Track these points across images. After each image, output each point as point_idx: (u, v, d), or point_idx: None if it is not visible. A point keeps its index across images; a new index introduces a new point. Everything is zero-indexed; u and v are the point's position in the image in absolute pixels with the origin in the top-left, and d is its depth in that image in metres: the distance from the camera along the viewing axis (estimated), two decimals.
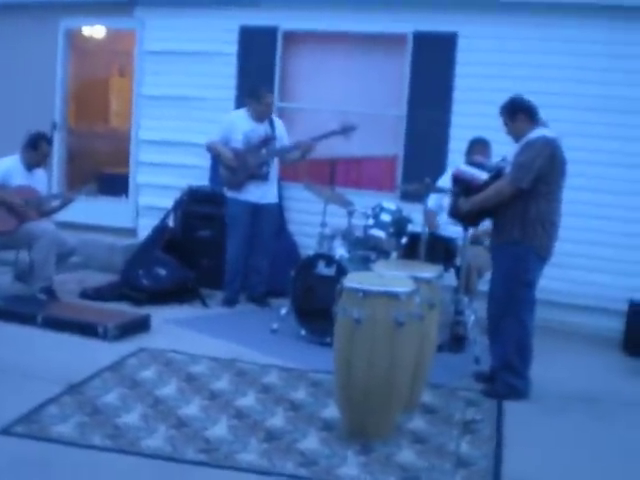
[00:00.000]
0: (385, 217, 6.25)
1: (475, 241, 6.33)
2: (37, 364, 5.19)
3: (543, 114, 5.19)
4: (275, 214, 7.32)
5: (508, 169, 5.09)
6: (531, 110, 5.14)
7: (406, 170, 7.68)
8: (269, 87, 7.41)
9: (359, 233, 6.40)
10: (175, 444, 4.05)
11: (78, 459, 3.85)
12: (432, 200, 6.37)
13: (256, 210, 7.09)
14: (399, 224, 6.25)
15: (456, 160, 6.89)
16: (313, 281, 6.15)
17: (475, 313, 6.04)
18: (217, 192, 7.35)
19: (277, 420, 4.48)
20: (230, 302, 7.18)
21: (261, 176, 7.04)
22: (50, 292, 6.72)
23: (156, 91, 8.46)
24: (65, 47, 9.21)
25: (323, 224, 6.49)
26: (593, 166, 6.94)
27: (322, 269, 6.12)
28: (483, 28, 7.31)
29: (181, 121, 8.29)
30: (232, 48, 8.15)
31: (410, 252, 6.15)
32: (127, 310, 6.64)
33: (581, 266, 7.07)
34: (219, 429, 4.29)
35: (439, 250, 6.18)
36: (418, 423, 4.59)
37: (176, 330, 6.29)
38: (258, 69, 8.02)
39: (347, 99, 7.99)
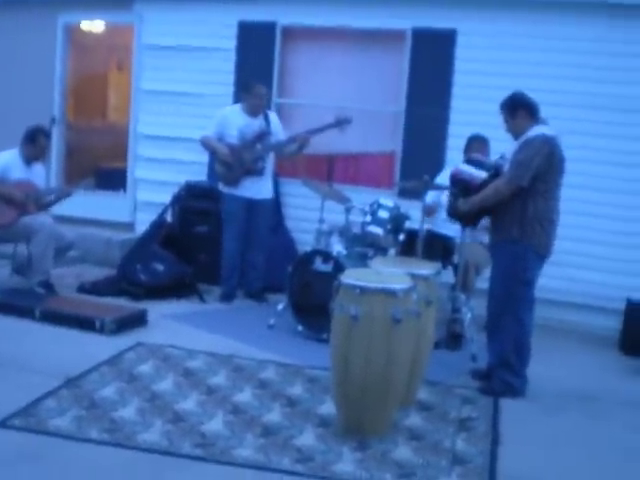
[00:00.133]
0: (383, 214, 6.25)
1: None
2: (35, 358, 5.20)
3: (542, 111, 5.19)
4: (270, 209, 7.31)
5: (506, 167, 5.09)
6: (532, 107, 5.13)
7: (404, 167, 7.68)
8: (264, 81, 7.39)
9: (357, 230, 6.39)
10: (171, 439, 4.06)
11: (75, 453, 3.86)
12: (430, 197, 6.36)
13: (251, 205, 7.09)
14: (397, 221, 6.25)
15: (454, 157, 6.90)
16: (310, 277, 6.15)
17: (472, 311, 6.04)
18: (214, 188, 7.35)
19: (273, 416, 4.49)
20: (227, 297, 7.18)
21: (256, 171, 7.04)
22: (48, 286, 6.73)
23: (154, 86, 8.45)
24: (64, 42, 9.20)
25: (321, 220, 6.49)
26: (593, 164, 6.95)
27: (319, 265, 6.13)
28: (482, 25, 7.31)
29: (179, 116, 8.28)
30: (230, 43, 8.14)
31: (408, 249, 6.15)
32: (125, 305, 6.64)
33: (579, 265, 7.07)
34: (215, 424, 4.30)
35: (437, 247, 6.19)
36: (414, 420, 4.60)
37: (173, 325, 6.29)
38: (256, 64, 8.01)
39: (346, 95, 7.99)
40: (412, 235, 6.15)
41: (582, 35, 7.02)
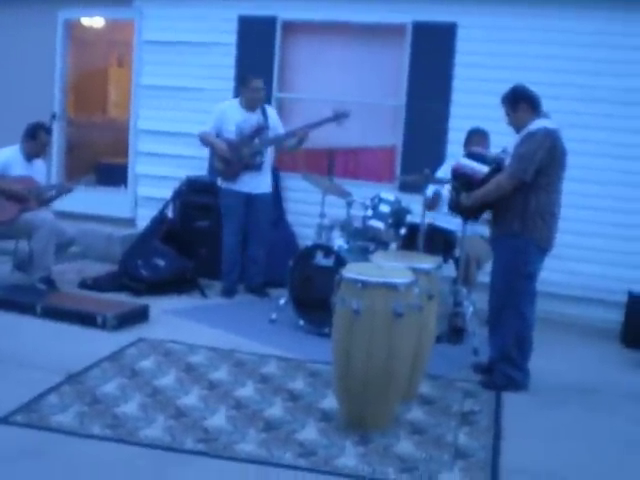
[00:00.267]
0: (384, 208, 6.24)
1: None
2: (36, 354, 5.20)
3: (543, 105, 5.17)
4: (269, 204, 7.30)
5: (508, 160, 5.08)
6: (533, 100, 5.11)
7: (405, 161, 7.67)
8: (264, 76, 7.38)
9: (358, 224, 6.39)
10: (174, 434, 4.06)
11: (77, 449, 3.86)
12: (431, 191, 6.36)
13: (250, 200, 7.09)
14: (398, 215, 6.24)
15: (455, 151, 6.90)
16: (311, 271, 6.15)
17: (474, 304, 6.04)
18: (215, 182, 7.35)
19: (276, 410, 4.49)
20: (228, 292, 7.18)
21: (255, 166, 7.03)
22: (49, 282, 6.73)
23: (155, 81, 8.44)
24: (64, 38, 9.20)
25: (322, 215, 6.48)
26: (593, 157, 6.95)
27: (320, 260, 6.12)
28: (482, 18, 7.31)
29: (180, 111, 8.28)
30: (231, 38, 8.13)
31: (409, 243, 6.15)
32: (126, 300, 6.64)
33: (580, 258, 7.07)
34: (218, 419, 4.30)
35: (438, 241, 6.19)
36: (416, 414, 4.60)
37: (175, 320, 6.30)
38: (257, 59, 8.01)
39: (346, 89, 7.98)
40: (413, 229, 6.15)
41: (582, 28, 7.01)
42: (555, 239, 5.12)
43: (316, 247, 6.21)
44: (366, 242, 6.35)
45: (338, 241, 6.27)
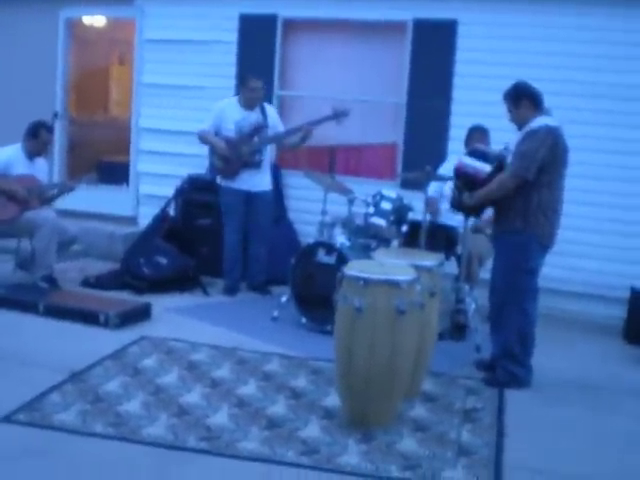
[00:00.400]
0: (386, 205, 6.24)
1: (477, 230, 6.33)
2: (39, 352, 5.20)
3: (545, 101, 5.17)
4: (269, 202, 7.29)
5: (510, 158, 5.07)
6: (535, 97, 5.10)
7: (406, 158, 7.67)
8: (265, 74, 7.38)
9: (359, 221, 6.39)
10: (176, 432, 4.06)
11: (80, 447, 3.86)
12: (433, 188, 6.36)
13: (250, 198, 7.09)
14: (400, 212, 6.24)
15: (456, 148, 6.90)
16: (313, 269, 6.15)
17: (476, 301, 6.03)
18: (215, 180, 7.35)
19: (278, 408, 4.49)
20: (231, 290, 7.19)
21: (254, 164, 7.04)
22: (51, 280, 6.73)
23: (156, 79, 8.44)
24: (65, 36, 9.21)
25: (323, 212, 6.48)
26: (593, 153, 6.94)
27: (322, 257, 6.12)
28: (483, 15, 7.30)
29: (181, 109, 8.28)
30: (232, 36, 8.13)
31: (411, 240, 6.15)
32: (128, 298, 6.64)
33: (583, 254, 7.07)
34: (220, 417, 4.30)
35: (440, 238, 6.18)
36: (419, 411, 4.60)
37: (177, 318, 6.30)
38: (258, 57, 8.01)
39: (347, 87, 7.98)
40: (415, 226, 6.14)
41: (582, 24, 7.01)
42: (556, 236, 5.12)
43: (318, 244, 6.21)
44: (368, 239, 6.35)
45: (340, 238, 6.27)
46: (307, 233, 7.55)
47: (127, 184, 8.95)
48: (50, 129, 7.09)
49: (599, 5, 6.91)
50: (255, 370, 5.13)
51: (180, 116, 8.24)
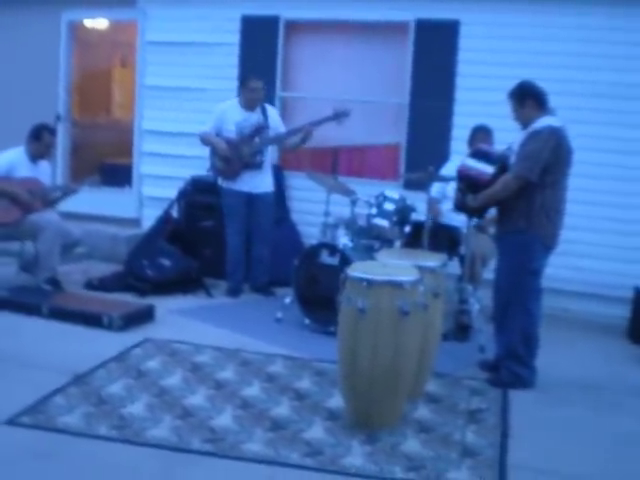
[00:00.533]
0: (388, 206, 6.24)
1: (480, 230, 6.32)
2: (42, 355, 5.21)
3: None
4: (271, 203, 7.28)
5: (513, 158, 5.07)
6: (540, 96, 5.08)
7: (409, 158, 7.67)
8: (268, 75, 7.38)
9: (362, 222, 6.38)
10: (181, 434, 4.06)
11: (84, 449, 3.86)
12: (435, 188, 6.37)
13: (251, 200, 7.09)
14: (402, 213, 6.24)
15: (459, 148, 6.90)
16: (317, 270, 6.15)
17: (479, 302, 6.03)
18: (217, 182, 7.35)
19: (282, 410, 4.49)
20: (234, 292, 7.19)
21: (255, 165, 7.04)
22: (55, 283, 6.74)
23: (158, 82, 8.45)
24: (68, 39, 9.22)
25: (326, 213, 6.48)
26: (599, 153, 6.93)
27: (325, 258, 6.12)
28: (485, 15, 7.30)
29: (183, 111, 8.28)
30: (234, 38, 8.14)
31: (414, 241, 6.15)
32: (131, 300, 6.65)
33: (586, 253, 7.06)
34: (224, 419, 4.30)
35: (443, 239, 6.18)
36: (423, 412, 4.59)
37: (180, 320, 6.30)
38: (260, 59, 8.01)
39: (349, 88, 7.97)
40: (418, 227, 6.14)
41: (583, 24, 7.00)
42: (559, 236, 5.11)
43: (321, 246, 6.21)
44: (371, 240, 6.35)
45: (343, 239, 6.27)
46: (310, 234, 7.54)
47: (130, 186, 8.96)
48: (53, 131, 7.09)
49: (600, 5, 6.90)
50: (259, 371, 5.13)
51: (182, 118, 8.25)
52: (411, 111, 7.66)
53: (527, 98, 5.10)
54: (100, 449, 3.88)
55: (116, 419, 4.21)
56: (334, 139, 7.54)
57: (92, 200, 8.27)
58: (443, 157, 7.12)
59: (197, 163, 8.01)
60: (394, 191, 6.47)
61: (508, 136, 5.46)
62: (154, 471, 3.71)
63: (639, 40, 6.91)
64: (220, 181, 7.17)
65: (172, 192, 7.95)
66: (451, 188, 5.95)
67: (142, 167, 8.74)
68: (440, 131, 7.49)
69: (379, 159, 8.45)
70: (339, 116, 6.76)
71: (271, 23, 8.01)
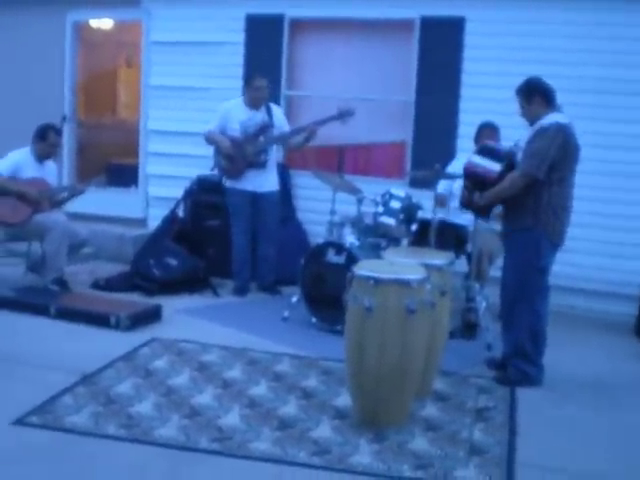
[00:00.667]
0: (395, 204, 6.23)
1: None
2: (50, 355, 5.22)
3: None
4: (276, 202, 7.28)
5: (520, 155, 5.05)
6: (548, 93, 5.07)
7: (415, 156, 7.66)
8: (273, 74, 7.38)
9: (369, 220, 6.38)
10: (188, 433, 4.07)
11: (92, 449, 3.87)
12: (442, 186, 6.35)
13: (256, 199, 7.10)
14: (409, 211, 6.23)
15: (465, 145, 6.90)
16: (323, 269, 6.15)
17: (486, 300, 6.02)
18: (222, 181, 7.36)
19: (289, 408, 4.49)
20: (241, 291, 7.19)
21: (259, 164, 7.04)
22: (62, 283, 6.75)
23: (164, 81, 8.46)
24: (73, 40, 9.22)
25: (332, 212, 6.48)
26: (608, 150, 6.91)
27: (332, 257, 6.12)
28: (490, 12, 7.29)
29: (189, 111, 8.28)
30: (239, 37, 8.14)
31: (420, 239, 6.14)
32: (139, 300, 6.66)
33: (593, 251, 7.05)
34: (232, 418, 4.30)
35: (450, 237, 6.18)
36: (431, 411, 4.59)
37: (187, 319, 6.30)
38: (265, 57, 8.01)
39: (355, 86, 7.97)
40: (424, 225, 6.14)
41: (585, 20, 7.00)
42: (566, 233, 5.09)
43: (327, 244, 6.21)
44: (377, 239, 6.34)
45: (349, 238, 6.26)
46: (316, 233, 7.54)
47: (136, 186, 8.97)
48: (58, 131, 7.11)
49: (610, 0, 6.89)
50: (266, 370, 5.13)
51: (188, 117, 8.25)
52: (417, 109, 7.65)
53: (534, 95, 5.08)
54: (108, 448, 3.88)
55: (124, 418, 4.22)
56: (340, 137, 7.53)
57: (98, 200, 8.28)
58: (449, 155, 7.12)
59: (203, 162, 8.00)
60: (400, 189, 6.47)
61: (514, 133, 5.45)
62: (162, 470, 3.72)
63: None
64: (224, 180, 7.18)
65: (178, 192, 7.96)
66: (457, 186, 5.94)
67: (148, 167, 8.75)
68: (446, 129, 7.48)
69: (385, 157, 8.45)
70: (343, 115, 6.75)
71: (276, 22, 8.01)
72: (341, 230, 6.41)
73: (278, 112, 7.23)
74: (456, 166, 6.46)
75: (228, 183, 7.14)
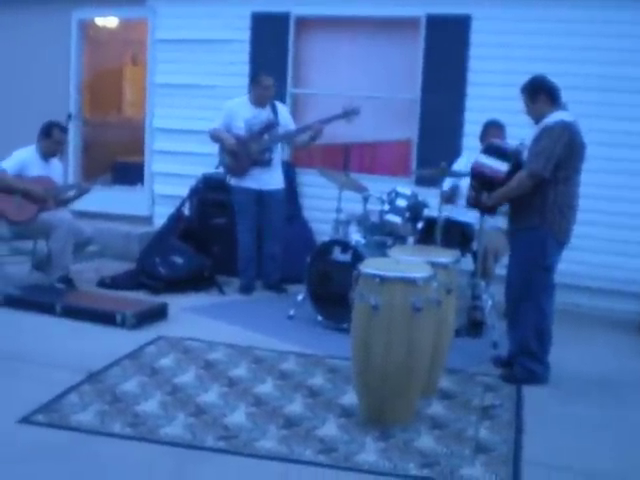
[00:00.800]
0: (401, 202, 6.23)
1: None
2: (56, 353, 5.22)
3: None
4: (281, 200, 7.27)
5: (526, 153, 5.05)
6: (552, 91, 5.06)
7: (421, 154, 7.66)
8: (279, 72, 7.39)
9: (375, 218, 6.38)
10: (194, 431, 4.07)
11: (98, 447, 3.87)
12: (447, 184, 6.34)
13: (261, 197, 7.10)
14: (415, 209, 6.23)
15: (471, 143, 6.88)
16: (329, 267, 6.14)
17: (492, 297, 6.02)
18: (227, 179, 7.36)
19: (295, 407, 4.49)
20: (246, 289, 7.19)
21: (264, 162, 7.04)
22: (68, 281, 6.76)
23: (169, 79, 8.46)
24: (78, 38, 9.22)
25: (338, 210, 6.48)
26: (613, 148, 6.90)
27: (338, 255, 6.12)
28: (496, 10, 7.28)
29: (194, 109, 8.29)
30: (244, 35, 8.14)
31: (426, 237, 6.14)
32: (144, 298, 6.66)
33: (598, 249, 7.03)
34: (238, 416, 4.30)
35: (455, 235, 6.17)
36: (437, 409, 4.58)
37: (193, 318, 6.31)
38: (271, 55, 8.00)
39: (360, 84, 7.96)
40: (430, 223, 6.14)
41: (587, 17, 7.00)
42: (572, 231, 5.09)
43: (333, 243, 6.20)
44: (383, 237, 6.34)
45: (355, 236, 6.26)
46: (322, 231, 7.54)
47: (142, 184, 8.97)
48: (63, 129, 7.11)
49: None
50: (272, 369, 5.13)
51: (193, 115, 8.25)
52: (422, 107, 7.64)
53: (539, 93, 5.07)
54: (114, 447, 3.88)
55: (130, 417, 4.22)
56: (346, 135, 7.52)
57: (104, 198, 8.29)
58: (455, 153, 7.12)
59: (209, 160, 8.00)
60: (406, 187, 6.46)
61: (520, 131, 5.44)
62: (168, 469, 3.72)
63: None
64: (228, 178, 7.17)
65: (184, 190, 7.97)
66: (464, 183, 5.93)
67: (154, 165, 8.76)
68: (452, 127, 7.48)
69: (391, 155, 8.44)
70: (348, 114, 6.75)
71: (281, 20, 8.01)
72: (347, 228, 6.40)
73: (283, 110, 7.22)
74: (462, 164, 6.46)
75: (233, 181, 7.14)
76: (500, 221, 6.18)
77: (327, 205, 7.11)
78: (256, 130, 7.00)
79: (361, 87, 7.91)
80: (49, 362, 5.03)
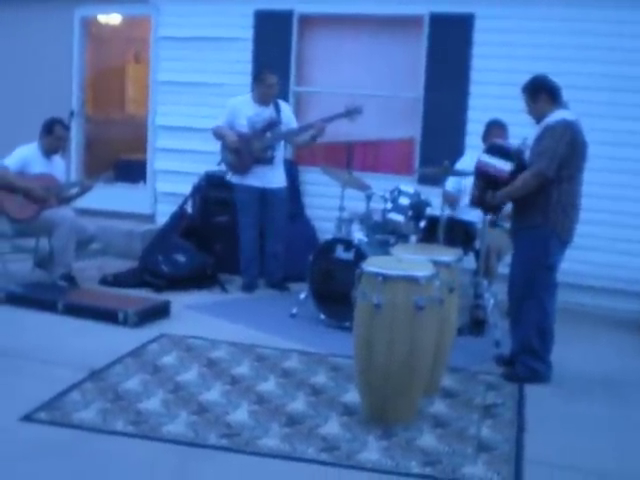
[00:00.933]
0: (403, 201, 6.23)
1: (493, 225, 6.28)
2: (58, 351, 5.22)
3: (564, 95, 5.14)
4: (284, 198, 7.27)
5: (528, 152, 5.04)
6: (553, 90, 5.06)
7: (424, 153, 7.65)
8: (282, 70, 7.38)
9: (377, 217, 6.38)
10: (197, 430, 4.07)
11: (100, 445, 3.87)
12: (450, 183, 6.34)
13: (264, 195, 7.10)
14: (418, 207, 6.23)
15: (474, 142, 6.88)
16: (332, 265, 6.14)
17: (495, 296, 6.01)
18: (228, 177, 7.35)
19: (298, 405, 4.49)
20: (249, 287, 7.19)
21: (266, 160, 7.04)
22: (70, 279, 6.76)
23: (172, 77, 8.46)
24: (81, 35, 9.24)
25: (341, 208, 6.47)
26: (616, 147, 6.90)
27: (341, 253, 6.11)
28: (500, 9, 7.27)
29: (197, 107, 8.29)
30: (247, 33, 8.14)
31: (429, 235, 6.13)
32: (147, 296, 6.67)
33: (601, 248, 7.03)
34: (240, 414, 4.30)
35: (458, 233, 6.16)
36: (439, 407, 4.58)
37: (196, 316, 6.31)
38: (274, 54, 8.00)
39: (363, 82, 7.96)
40: (433, 221, 6.13)
41: (590, 16, 6.99)
42: (575, 230, 5.08)
43: (336, 241, 6.20)
44: (386, 235, 6.33)
45: (358, 234, 6.26)
46: (325, 229, 7.53)
47: (144, 182, 8.98)
48: (65, 125, 7.11)
49: None
50: (274, 367, 5.13)
51: (196, 113, 8.25)
52: (425, 105, 7.64)
53: (540, 92, 5.07)
54: (116, 445, 3.88)
55: (132, 415, 4.22)
56: (349, 134, 7.51)
57: (107, 196, 8.29)
58: (458, 151, 7.11)
59: (211, 158, 7.99)
60: (409, 186, 6.47)
61: (523, 130, 5.43)
62: (170, 466, 3.72)
63: None
64: (230, 176, 7.17)
65: (186, 188, 7.96)
66: (468, 183, 5.92)
67: (156, 163, 8.76)
68: (455, 125, 7.47)
69: (393, 154, 8.43)
70: (351, 113, 6.75)
71: (285, 18, 8.00)
72: (350, 226, 6.40)
73: (286, 109, 7.22)
74: (464, 163, 6.45)
75: (235, 179, 7.14)
76: (503, 223, 6.20)
77: (330, 203, 7.10)
78: (259, 128, 7.00)
79: (364, 85, 7.91)
80: (51, 360, 5.03)
